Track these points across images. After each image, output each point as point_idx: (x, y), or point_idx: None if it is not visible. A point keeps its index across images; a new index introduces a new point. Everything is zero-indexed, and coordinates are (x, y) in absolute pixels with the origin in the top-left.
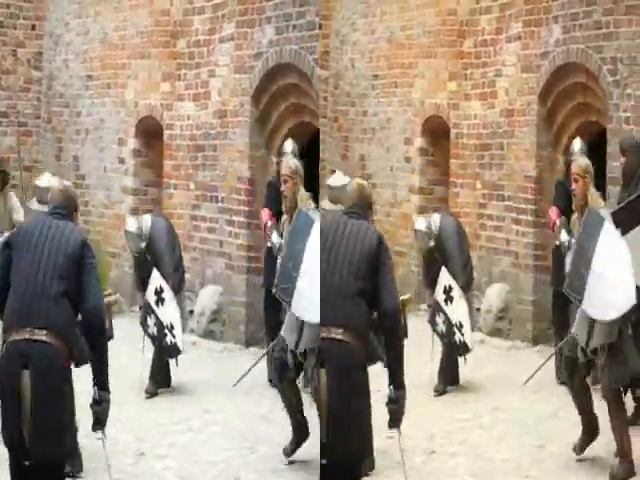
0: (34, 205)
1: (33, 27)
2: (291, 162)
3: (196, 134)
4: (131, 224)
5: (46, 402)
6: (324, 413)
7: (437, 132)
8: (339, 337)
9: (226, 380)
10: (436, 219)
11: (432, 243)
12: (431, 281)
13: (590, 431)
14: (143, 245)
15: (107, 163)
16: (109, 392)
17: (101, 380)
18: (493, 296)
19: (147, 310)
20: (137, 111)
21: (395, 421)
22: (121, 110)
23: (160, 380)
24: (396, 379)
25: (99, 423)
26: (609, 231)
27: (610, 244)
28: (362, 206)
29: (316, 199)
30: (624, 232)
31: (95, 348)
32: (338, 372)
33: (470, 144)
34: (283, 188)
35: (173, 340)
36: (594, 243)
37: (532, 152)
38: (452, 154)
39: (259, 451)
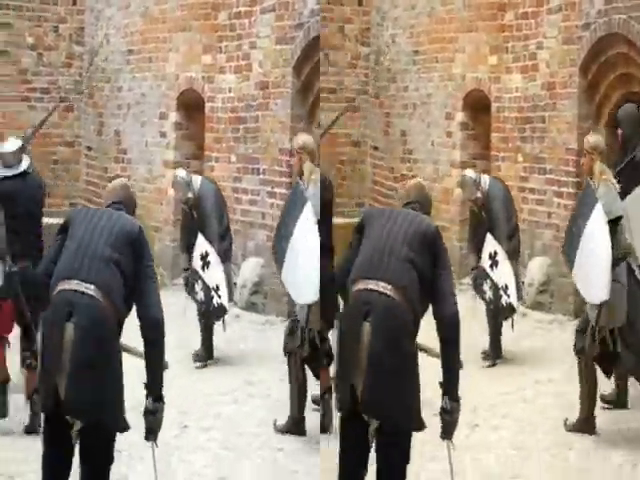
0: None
1: (74, 2)
2: (299, 137)
3: (237, 106)
4: (181, 172)
5: (89, 357)
6: (363, 370)
7: (478, 106)
8: (387, 292)
9: (268, 352)
10: (486, 178)
11: (478, 194)
12: (476, 245)
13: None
14: (190, 195)
15: (148, 137)
16: (164, 403)
17: (156, 390)
18: (535, 269)
19: (194, 277)
20: (178, 84)
21: (447, 433)
22: (162, 84)
23: (205, 352)
24: (452, 390)
25: (152, 433)
26: (599, 215)
27: (598, 229)
28: (423, 205)
29: None
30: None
31: (151, 358)
32: (385, 328)
33: (511, 117)
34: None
35: (219, 301)
36: (584, 223)
37: (573, 124)
38: (493, 128)
39: None
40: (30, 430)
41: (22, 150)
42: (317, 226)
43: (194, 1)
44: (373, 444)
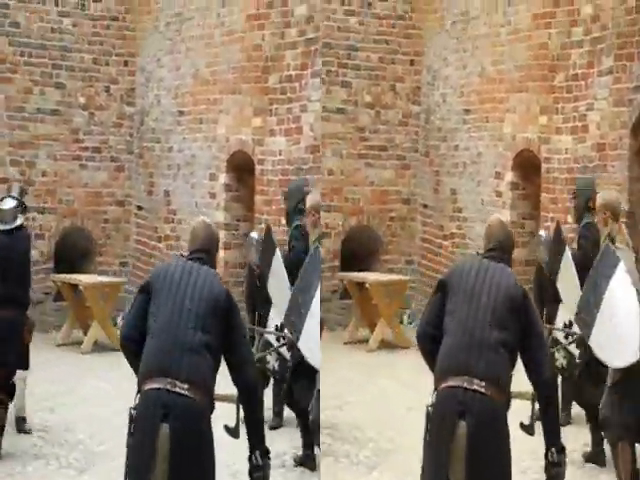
0: None
1: (125, 63)
2: (311, 197)
3: (288, 169)
4: (254, 235)
5: (187, 464)
6: (462, 467)
7: (528, 166)
8: (483, 390)
9: None
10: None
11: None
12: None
13: None
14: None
15: (198, 198)
16: (269, 457)
17: (260, 445)
18: None
19: (265, 347)
20: (228, 146)
21: None
22: (212, 145)
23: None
24: (556, 441)
25: None
26: (622, 274)
27: (622, 288)
28: (504, 246)
29: None
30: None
31: (252, 418)
32: (484, 429)
33: (561, 178)
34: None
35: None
36: (607, 282)
37: (624, 186)
38: (543, 188)
39: None
40: None
41: (18, 207)
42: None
43: (245, 64)
44: None
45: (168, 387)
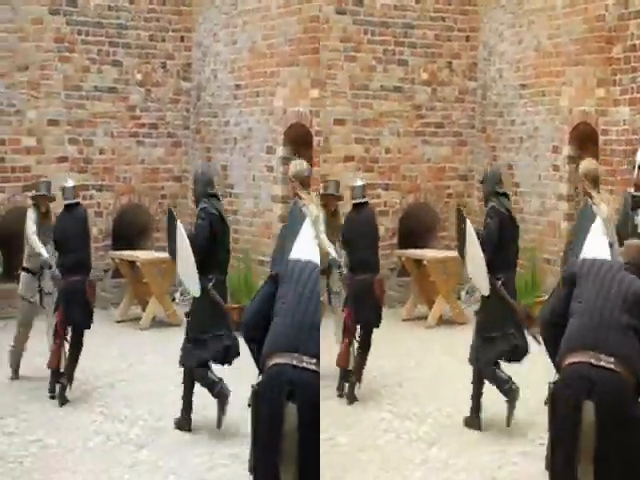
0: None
1: (182, 39)
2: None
3: None
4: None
5: (611, 441)
6: (589, 451)
7: (585, 139)
8: (612, 366)
9: None
10: None
11: None
12: None
13: None
14: None
15: (255, 172)
16: None
17: None
18: None
19: None
20: (285, 118)
21: None
22: (270, 118)
23: None
24: None
25: None
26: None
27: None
28: (638, 266)
29: None
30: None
31: None
32: (610, 406)
33: (619, 150)
34: None
35: None
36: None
37: None
38: (601, 161)
39: None
40: None
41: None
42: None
43: (301, 36)
44: None
45: (592, 361)
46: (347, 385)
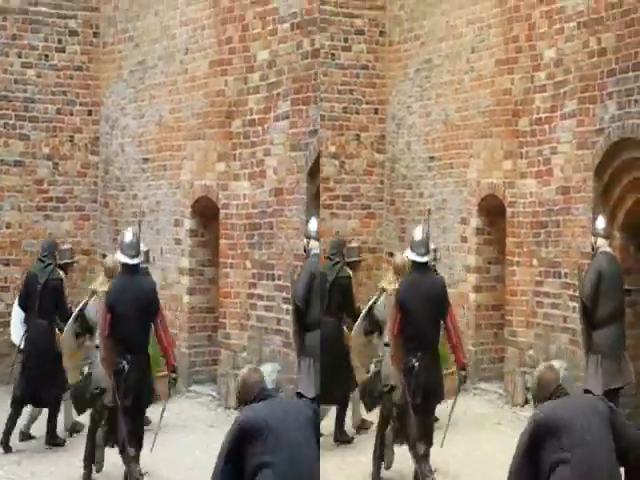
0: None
1: (90, 112)
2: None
3: (252, 213)
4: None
5: None
6: None
7: (493, 211)
8: None
9: None
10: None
11: None
12: None
13: None
14: None
15: (163, 244)
16: None
17: None
18: None
19: None
20: (193, 192)
21: None
22: (177, 191)
23: None
24: None
25: None
26: None
27: None
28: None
29: None
30: None
31: None
32: None
33: (526, 222)
34: None
35: None
36: None
37: (589, 228)
38: (508, 232)
39: None
40: None
41: None
42: None
43: (209, 109)
44: None
45: None
46: None
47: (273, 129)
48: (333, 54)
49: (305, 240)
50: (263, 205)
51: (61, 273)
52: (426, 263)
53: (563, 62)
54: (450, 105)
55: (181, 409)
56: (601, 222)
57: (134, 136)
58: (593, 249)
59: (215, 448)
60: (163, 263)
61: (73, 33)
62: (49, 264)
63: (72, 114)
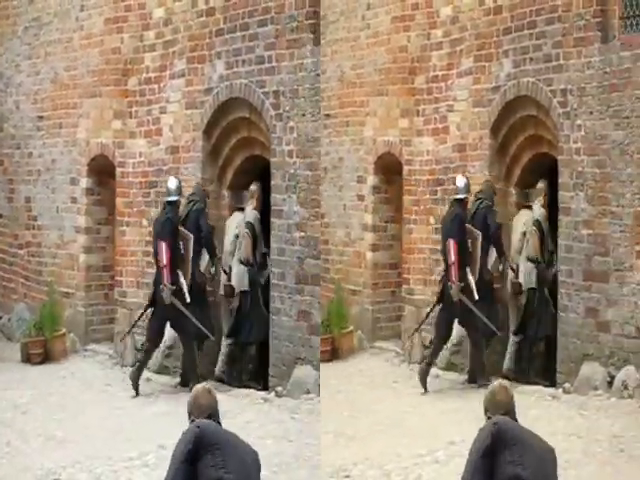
0: None
1: None
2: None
3: (148, 171)
4: None
5: None
6: None
7: (390, 169)
8: None
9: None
10: None
11: None
12: None
13: None
14: None
15: (59, 203)
16: None
17: None
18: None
19: None
20: (89, 150)
21: None
22: (73, 150)
23: None
24: None
25: None
26: None
27: None
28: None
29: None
30: None
31: None
32: None
33: (423, 180)
34: None
35: None
36: None
37: None
38: (405, 191)
39: None
40: None
41: None
42: None
43: (104, 67)
44: None
45: None
46: None
47: (169, 87)
48: None
49: None
50: (159, 163)
51: None
52: None
53: (459, 19)
54: (346, 62)
55: (78, 368)
56: (461, 181)
57: (29, 93)
58: None
59: (113, 407)
60: (59, 222)
61: None
62: None
63: None
